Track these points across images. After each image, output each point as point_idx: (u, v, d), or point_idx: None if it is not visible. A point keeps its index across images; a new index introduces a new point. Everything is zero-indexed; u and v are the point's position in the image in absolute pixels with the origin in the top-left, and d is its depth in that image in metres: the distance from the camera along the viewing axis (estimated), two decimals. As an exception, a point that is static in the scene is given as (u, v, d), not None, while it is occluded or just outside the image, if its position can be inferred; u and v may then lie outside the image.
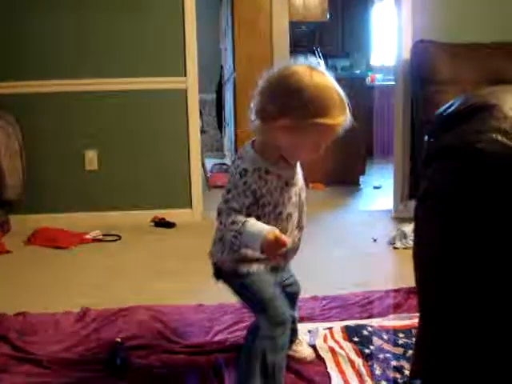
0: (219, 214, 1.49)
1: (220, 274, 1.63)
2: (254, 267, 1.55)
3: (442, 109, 0.71)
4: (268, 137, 1.48)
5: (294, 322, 1.78)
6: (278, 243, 1.38)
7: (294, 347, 1.81)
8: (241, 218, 1.43)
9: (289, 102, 1.41)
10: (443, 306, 0.66)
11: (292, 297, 1.75)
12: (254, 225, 1.42)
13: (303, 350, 1.84)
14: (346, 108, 1.44)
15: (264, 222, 1.47)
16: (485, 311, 0.64)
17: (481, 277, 0.63)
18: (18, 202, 3.69)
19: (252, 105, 1.48)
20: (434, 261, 0.66)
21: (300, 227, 1.63)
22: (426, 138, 0.72)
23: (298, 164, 1.61)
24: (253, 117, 1.48)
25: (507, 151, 0.57)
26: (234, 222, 1.44)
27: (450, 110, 0.69)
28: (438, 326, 0.68)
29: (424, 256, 0.69)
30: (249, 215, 1.47)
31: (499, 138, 0.58)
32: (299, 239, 1.64)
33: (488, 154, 0.58)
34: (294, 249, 1.63)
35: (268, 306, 1.52)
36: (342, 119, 1.42)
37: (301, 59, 1.47)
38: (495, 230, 0.60)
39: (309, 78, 1.41)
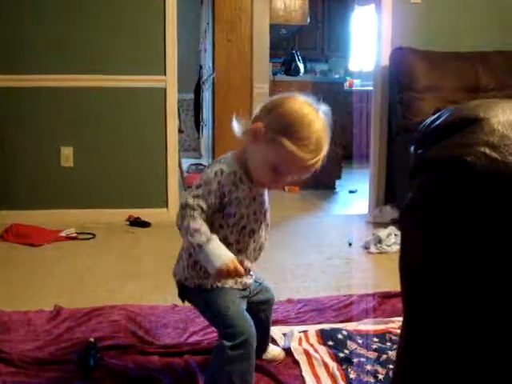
0: (184, 207, 1.43)
1: (184, 292, 1.62)
2: (219, 283, 1.53)
3: (428, 120, 0.72)
4: (247, 144, 1.49)
5: (267, 332, 1.77)
6: (234, 272, 1.40)
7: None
8: (205, 230, 1.40)
9: (269, 114, 1.44)
10: (429, 316, 0.67)
11: (263, 304, 1.72)
12: (218, 248, 1.41)
13: (269, 351, 1.82)
14: (319, 152, 1.43)
15: (226, 234, 1.48)
16: (471, 321, 0.65)
17: (468, 287, 0.64)
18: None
19: (253, 113, 1.50)
20: (421, 271, 0.66)
21: (260, 248, 1.60)
22: (413, 149, 0.73)
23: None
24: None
25: (495, 165, 0.58)
26: (196, 231, 1.40)
27: (437, 121, 0.69)
28: (424, 334, 0.69)
29: (410, 267, 0.70)
30: (212, 223, 1.46)
31: (487, 151, 0.59)
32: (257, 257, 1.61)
33: (476, 167, 0.59)
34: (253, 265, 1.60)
35: (231, 323, 1.47)
36: (308, 157, 1.41)
37: (310, 99, 1.46)
38: (482, 242, 0.61)
39: (299, 106, 1.42)
